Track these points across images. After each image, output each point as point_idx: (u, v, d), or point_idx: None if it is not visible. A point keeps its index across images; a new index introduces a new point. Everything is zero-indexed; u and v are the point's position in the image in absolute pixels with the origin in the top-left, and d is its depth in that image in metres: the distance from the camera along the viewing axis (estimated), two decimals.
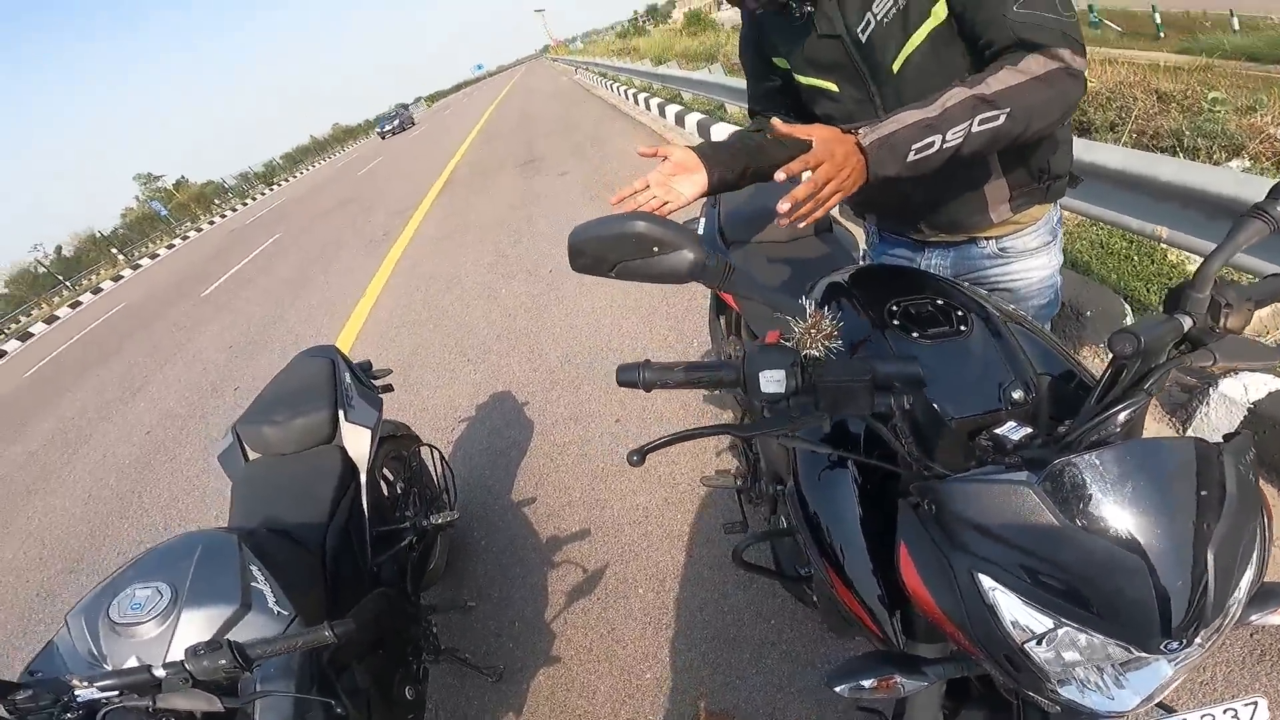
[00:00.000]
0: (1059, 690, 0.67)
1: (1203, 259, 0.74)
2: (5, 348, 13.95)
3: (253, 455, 1.79)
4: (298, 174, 41.79)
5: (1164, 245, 2.46)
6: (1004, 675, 0.71)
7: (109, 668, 1.07)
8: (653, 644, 1.88)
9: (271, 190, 34.88)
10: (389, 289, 5.96)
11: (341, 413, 1.78)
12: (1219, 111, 3.50)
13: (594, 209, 6.01)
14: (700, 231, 1.87)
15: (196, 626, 1.13)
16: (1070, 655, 0.65)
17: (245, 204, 32.24)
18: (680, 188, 1.09)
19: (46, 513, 4.07)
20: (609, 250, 0.78)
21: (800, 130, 0.96)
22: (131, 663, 1.08)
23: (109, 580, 1.24)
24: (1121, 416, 0.70)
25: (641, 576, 2.09)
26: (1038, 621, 0.64)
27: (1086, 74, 0.99)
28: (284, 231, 13.60)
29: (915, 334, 0.96)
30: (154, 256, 24.87)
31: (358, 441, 1.76)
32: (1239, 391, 1.85)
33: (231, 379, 5.28)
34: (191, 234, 27.94)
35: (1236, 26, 20.36)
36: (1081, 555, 0.62)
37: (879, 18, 1.07)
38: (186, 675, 0.93)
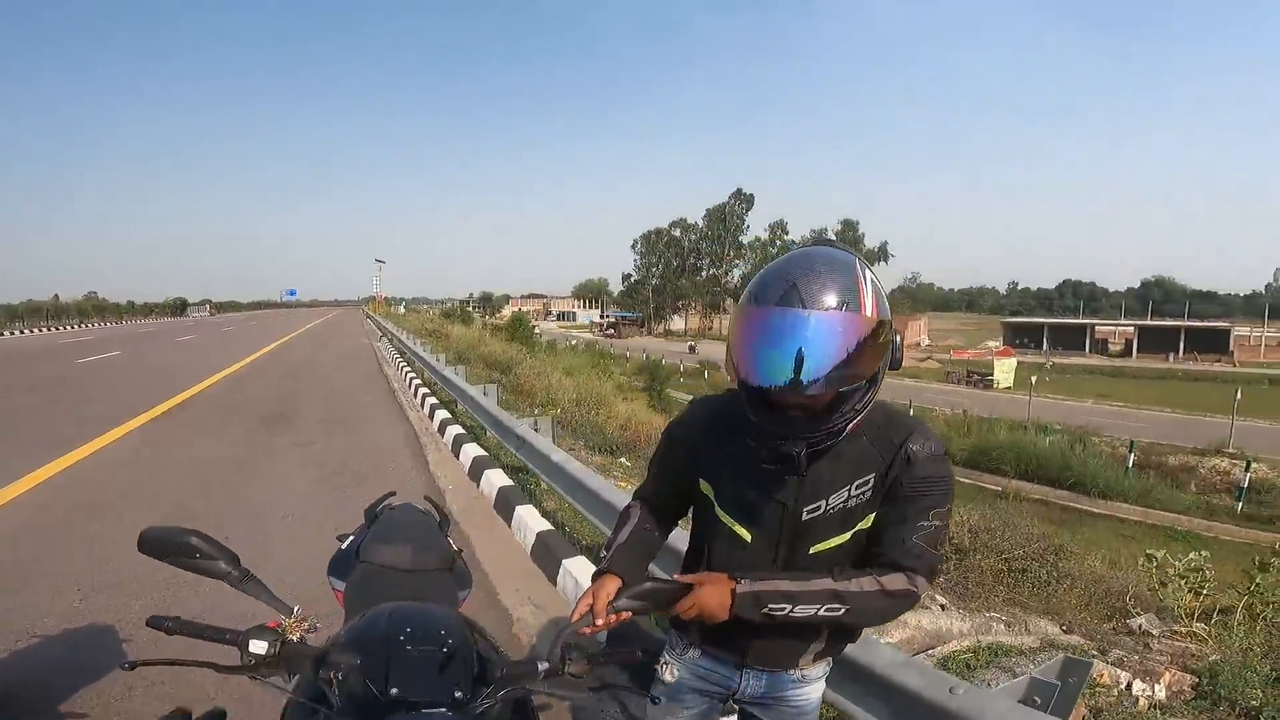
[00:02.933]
0: None
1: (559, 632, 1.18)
2: None
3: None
4: (6, 332, 35.06)
5: None
6: None
7: None
8: None
9: None
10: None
11: None
12: None
13: (318, 491, 5.62)
14: (344, 546, 2.06)
15: None
16: None
17: None
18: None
19: None
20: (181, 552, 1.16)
21: (693, 577, 1.24)
22: None
23: None
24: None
25: None
26: None
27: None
28: None
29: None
30: None
31: None
32: None
33: None
34: None
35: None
36: None
37: (829, 509, 1.26)
38: None
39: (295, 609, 1.16)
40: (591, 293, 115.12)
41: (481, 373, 13.52)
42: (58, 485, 5.75)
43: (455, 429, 8.05)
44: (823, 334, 1.08)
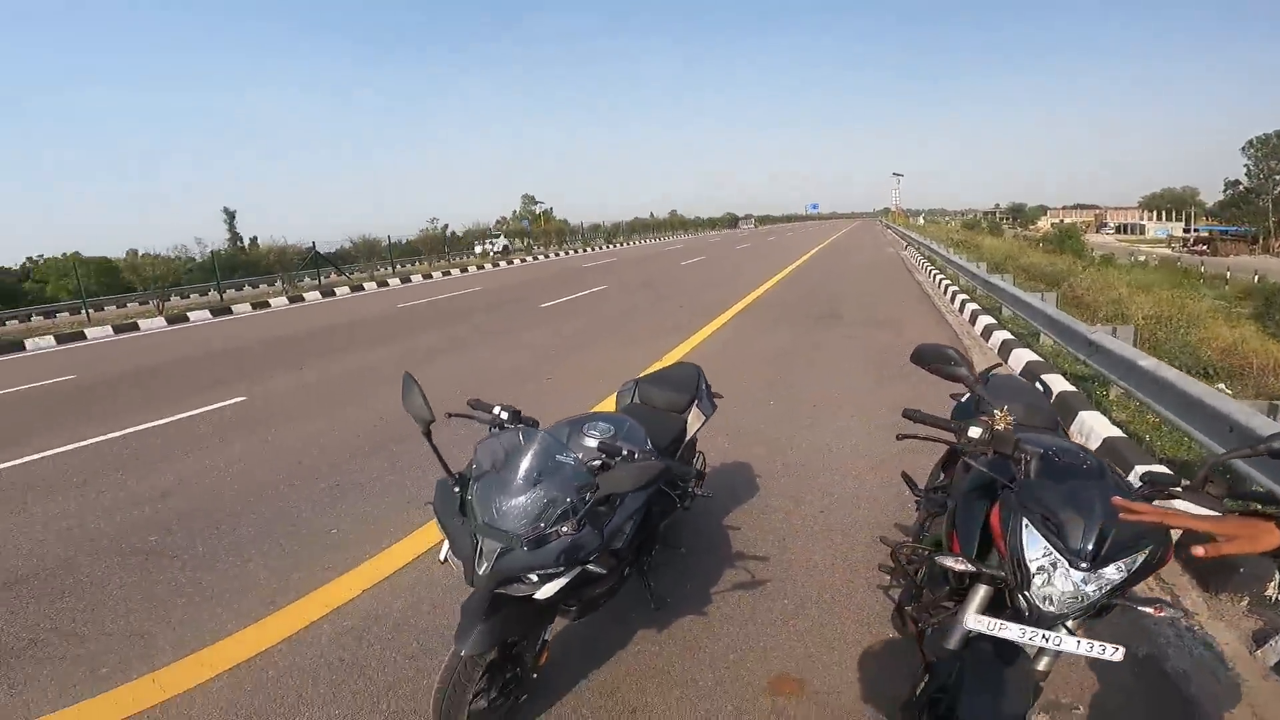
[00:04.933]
0: (1033, 581, 1.46)
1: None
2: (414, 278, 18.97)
3: (636, 400, 3.05)
4: (631, 242, 48.47)
5: None
6: (1013, 574, 1.50)
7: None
8: (766, 628, 2.66)
9: (608, 248, 41.01)
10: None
11: (695, 401, 3.02)
12: None
13: (863, 368, 6.65)
14: (963, 399, 2.62)
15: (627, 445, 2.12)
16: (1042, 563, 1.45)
17: (582, 250, 38.36)
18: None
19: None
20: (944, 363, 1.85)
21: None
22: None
23: (576, 419, 2.42)
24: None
25: (796, 571, 3.12)
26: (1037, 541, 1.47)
27: None
28: (609, 285, 16.32)
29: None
30: (507, 264, 30.89)
31: (695, 420, 3.01)
32: None
33: (554, 361, 7.34)
34: (541, 257, 34.08)
35: None
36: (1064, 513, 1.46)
37: None
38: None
39: (1003, 407, 1.69)
40: (1169, 204, 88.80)
41: (1024, 282, 12.60)
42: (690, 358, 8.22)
43: (1002, 334, 7.98)
44: None
